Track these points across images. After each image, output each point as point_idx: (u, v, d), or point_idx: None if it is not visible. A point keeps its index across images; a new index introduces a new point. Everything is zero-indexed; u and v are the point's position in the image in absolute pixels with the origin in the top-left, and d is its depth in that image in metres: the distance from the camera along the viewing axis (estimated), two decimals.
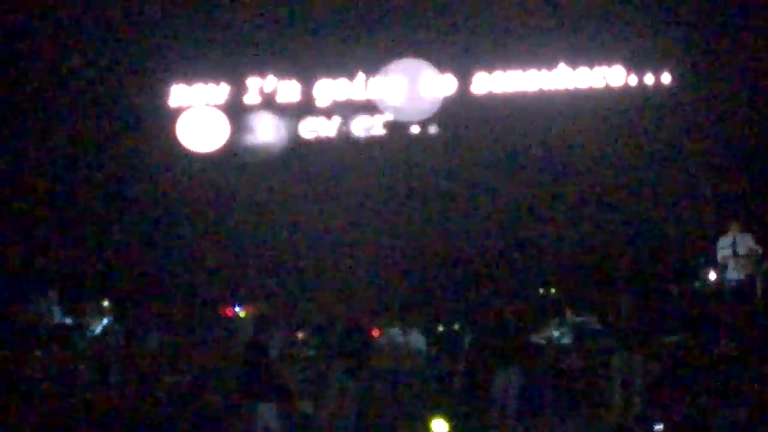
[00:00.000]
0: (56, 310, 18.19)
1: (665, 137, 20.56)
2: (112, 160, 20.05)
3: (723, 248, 18.88)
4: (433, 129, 20.62)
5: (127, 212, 19.93)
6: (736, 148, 20.30)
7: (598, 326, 17.38)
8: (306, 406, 16.46)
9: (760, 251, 18.42)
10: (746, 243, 18.72)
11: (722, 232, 19.09)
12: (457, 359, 18.63)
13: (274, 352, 17.38)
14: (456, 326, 19.05)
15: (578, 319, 18.25)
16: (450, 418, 15.84)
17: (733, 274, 18.57)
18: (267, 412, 13.91)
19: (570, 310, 18.43)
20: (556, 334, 18.08)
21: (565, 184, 20.56)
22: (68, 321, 18.24)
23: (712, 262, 18.95)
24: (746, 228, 18.67)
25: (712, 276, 18.66)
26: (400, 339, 18.30)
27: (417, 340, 18.36)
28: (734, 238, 18.73)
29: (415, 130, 20.66)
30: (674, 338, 18.47)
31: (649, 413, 14.98)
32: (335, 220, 19.97)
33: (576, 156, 20.55)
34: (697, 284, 18.97)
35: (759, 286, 18.03)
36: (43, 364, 17.69)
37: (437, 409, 17.03)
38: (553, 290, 19.20)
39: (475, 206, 20.50)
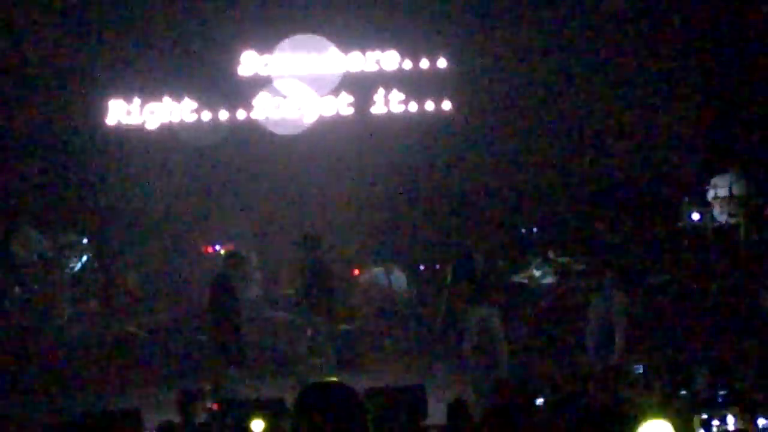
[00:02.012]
0: (38, 245, 18.07)
1: (650, 72, 20.40)
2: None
3: (717, 187, 18.71)
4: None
5: (105, 149, 19.76)
6: (725, 87, 20.17)
7: (581, 266, 17.28)
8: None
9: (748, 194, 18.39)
10: (742, 185, 18.57)
11: (720, 170, 18.94)
12: (438, 298, 18.60)
13: (253, 292, 17.36)
14: (437, 265, 18.97)
15: (561, 259, 18.18)
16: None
17: (719, 215, 18.49)
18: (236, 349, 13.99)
19: (552, 250, 18.36)
20: (537, 273, 18.01)
21: (547, 122, 20.39)
22: (47, 257, 18.12)
23: (697, 202, 18.86)
24: (744, 170, 18.58)
25: (696, 216, 18.57)
26: (383, 278, 18.26)
27: (399, 279, 18.32)
28: (731, 179, 18.57)
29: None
30: (656, 278, 18.46)
31: (629, 355, 14.94)
32: (316, 159, 19.80)
33: (560, 93, 20.37)
34: (680, 224, 18.90)
35: (743, 228, 17.97)
36: (22, 301, 17.64)
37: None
38: (535, 230, 19.08)
39: (459, 146, 20.33)
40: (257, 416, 10.50)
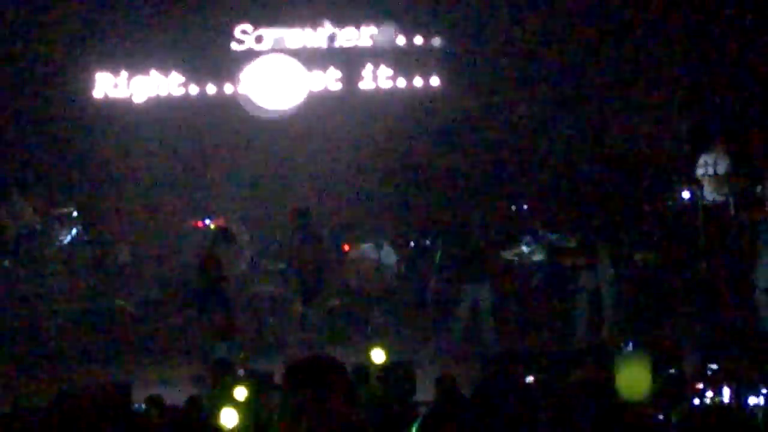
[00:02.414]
0: (27, 217, 18.03)
1: (638, 47, 20.34)
2: None
3: (703, 165, 18.73)
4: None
5: (93, 121, 19.66)
6: (713, 62, 20.12)
7: (572, 244, 17.25)
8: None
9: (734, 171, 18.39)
10: (726, 163, 18.59)
11: (704, 149, 18.96)
12: (428, 275, 18.58)
13: (243, 267, 17.32)
14: (428, 242, 18.95)
15: (551, 236, 18.15)
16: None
17: (709, 194, 18.48)
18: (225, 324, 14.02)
19: (542, 227, 18.33)
20: (526, 250, 17.98)
21: (536, 98, 20.30)
22: (37, 229, 18.07)
23: (687, 181, 18.85)
24: (728, 148, 18.58)
25: (686, 195, 18.56)
26: (372, 254, 18.24)
27: (388, 255, 18.31)
28: (716, 158, 18.60)
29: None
30: (646, 256, 18.45)
31: (619, 333, 14.97)
32: (305, 134, 19.72)
33: (549, 69, 20.29)
34: (669, 202, 18.88)
35: (732, 206, 17.94)
36: (10, 274, 17.59)
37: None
38: (525, 206, 19.03)
39: (448, 122, 20.24)
40: (240, 384, 10.51)
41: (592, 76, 20.23)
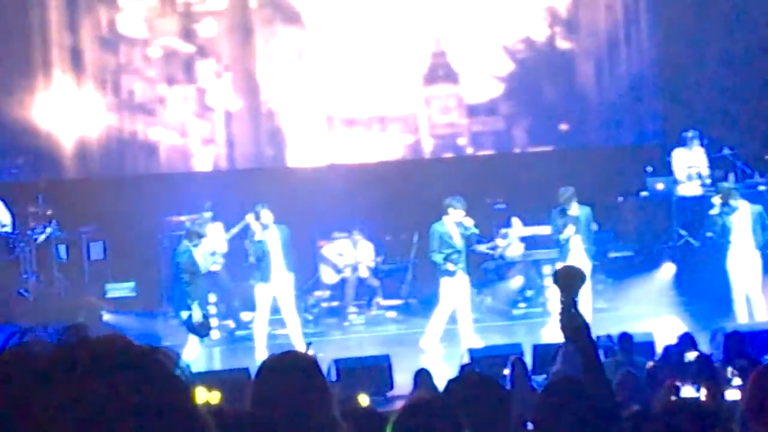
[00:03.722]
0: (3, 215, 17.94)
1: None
2: None
3: (678, 159, 18.77)
4: None
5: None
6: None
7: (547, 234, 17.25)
8: None
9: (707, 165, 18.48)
10: (699, 156, 18.61)
11: (677, 142, 19.03)
12: (405, 269, 18.58)
13: (218, 264, 17.27)
14: (403, 236, 18.95)
15: (527, 229, 18.16)
16: None
17: (684, 186, 18.50)
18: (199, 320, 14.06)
19: (518, 221, 18.31)
20: (501, 244, 17.99)
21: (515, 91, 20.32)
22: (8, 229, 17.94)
23: (661, 173, 18.89)
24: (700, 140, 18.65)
25: (660, 186, 18.61)
26: (348, 249, 18.24)
27: (365, 249, 18.31)
28: (689, 150, 18.66)
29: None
30: (620, 248, 18.54)
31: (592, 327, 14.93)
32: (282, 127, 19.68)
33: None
34: (643, 194, 18.94)
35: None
36: None
37: None
38: (501, 200, 19.00)
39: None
40: (214, 388, 10.47)
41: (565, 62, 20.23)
